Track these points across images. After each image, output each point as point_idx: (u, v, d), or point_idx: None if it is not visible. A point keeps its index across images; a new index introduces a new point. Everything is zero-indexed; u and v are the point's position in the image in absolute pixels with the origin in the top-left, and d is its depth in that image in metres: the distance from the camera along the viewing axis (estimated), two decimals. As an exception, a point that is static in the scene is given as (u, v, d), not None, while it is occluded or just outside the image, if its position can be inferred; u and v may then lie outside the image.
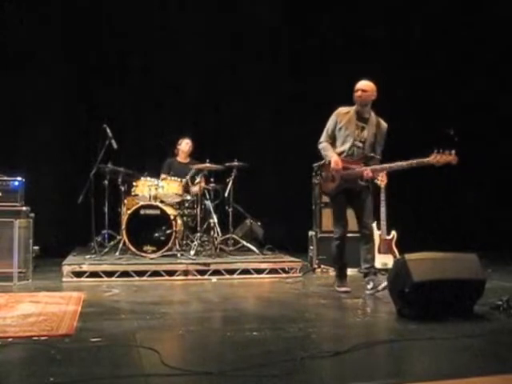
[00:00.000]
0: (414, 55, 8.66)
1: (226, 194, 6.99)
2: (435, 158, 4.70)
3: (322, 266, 6.68)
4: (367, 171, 5.01)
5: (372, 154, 5.15)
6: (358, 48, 8.59)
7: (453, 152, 4.67)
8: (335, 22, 8.68)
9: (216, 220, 6.77)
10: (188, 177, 6.90)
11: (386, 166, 5.07)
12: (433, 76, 8.66)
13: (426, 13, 8.64)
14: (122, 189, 6.87)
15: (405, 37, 8.65)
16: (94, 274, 5.89)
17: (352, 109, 5.25)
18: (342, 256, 5.30)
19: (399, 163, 4.94)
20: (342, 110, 5.28)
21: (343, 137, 5.18)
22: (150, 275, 5.97)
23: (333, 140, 5.26)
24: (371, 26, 8.65)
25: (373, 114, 5.25)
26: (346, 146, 5.15)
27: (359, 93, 5.12)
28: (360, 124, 5.17)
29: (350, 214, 5.35)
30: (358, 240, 5.31)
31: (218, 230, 6.79)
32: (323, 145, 5.27)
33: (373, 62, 8.43)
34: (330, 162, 5.14)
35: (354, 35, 8.64)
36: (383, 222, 6.40)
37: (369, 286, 5.15)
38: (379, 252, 6.42)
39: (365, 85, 5.15)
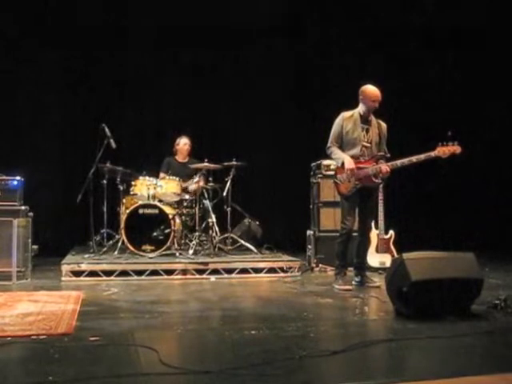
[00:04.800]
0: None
1: (225, 194, 7.00)
2: (441, 151, 5.00)
3: (321, 265, 6.69)
4: (385, 166, 5.21)
5: (381, 153, 5.38)
6: (357, 48, 8.61)
7: (456, 143, 4.99)
8: (335, 23, 8.70)
9: (214, 219, 6.76)
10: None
11: (398, 162, 5.23)
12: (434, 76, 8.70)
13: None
14: (121, 188, 6.88)
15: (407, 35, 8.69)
16: (92, 273, 5.89)
17: (355, 112, 5.43)
18: (346, 253, 5.44)
19: (409, 158, 5.15)
20: (346, 114, 5.44)
21: (351, 140, 5.36)
22: (149, 274, 5.97)
23: (339, 144, 5.41)
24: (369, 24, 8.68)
25: (372, 115, 5.44)
26: (357, 149, 5.34)
27: (376, 104, 5.33)
28: (365, 126, 5.39)
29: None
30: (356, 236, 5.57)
31: (217, 229, 6.79)
32: (332, 149, 5.42)
33: (373, 63, 8.47)
34: (342, 164, 5.29)
35: (353, 36, 8.66)
36: (381, 222, 6.41)
37: (356, 279, 5.55)
38: (377, 251, 6.43)
39: (380, 95, 5.32)
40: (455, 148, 5.00)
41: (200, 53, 8.41)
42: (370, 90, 5.34)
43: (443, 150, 5.00)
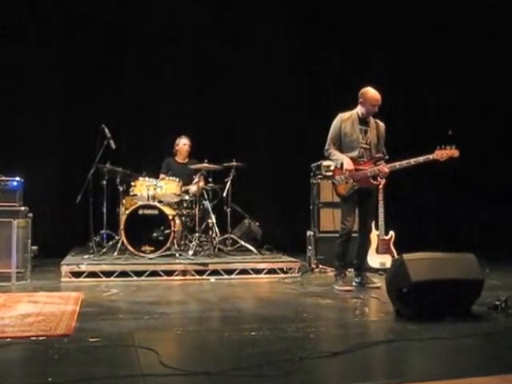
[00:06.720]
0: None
1: (225, 194, 7.00)
2: (439, 154, 5.03)
3: (321, 266, 6.68)
4: (383, 167, 5.21)
5: (380, 155, 5.37)
6: (357, 46, 8.61)
7: (453, 146, 5.02)
8: (335, 23, 8.69)
9: (214, 220, 6.76)
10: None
11: (397, 164, 5.24)
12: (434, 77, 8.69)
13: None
14: (121, 189, 6.87)
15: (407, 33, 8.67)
16: (92, 274, 5.88)
17: (352, 113, 5.43)
18: (346, 254, 5.44)
19: (408, 161, 5.17)
20: (344, 115, 5.43)
21: (350, 142, 5.36)
22: (149, 275, 5.97)
23: (337, 145, 5.40)
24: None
25: (370, 116, 5.43)
26: (356, 151, 5.33)
27: (376, 108, 5.34)
28: (363, 128, 5.39)
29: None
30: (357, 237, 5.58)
31: (217, 230, 6.78)
32: (331, 151, 5.42)
33: (373, 63, 8.47)
34: (341, 165, 5.28)
35: (353, 36, 8.66)
36: (381, 222, 6.40)
37: (357, 280, 5.55)
38: (377, 252, 6.43)
39: (380, 99, 5.32)
40: (453, 152, 5.02)
41: (200, 52, 8.40)
42: (371, 93, 5.33)
43: (441, 154, 5.03)
